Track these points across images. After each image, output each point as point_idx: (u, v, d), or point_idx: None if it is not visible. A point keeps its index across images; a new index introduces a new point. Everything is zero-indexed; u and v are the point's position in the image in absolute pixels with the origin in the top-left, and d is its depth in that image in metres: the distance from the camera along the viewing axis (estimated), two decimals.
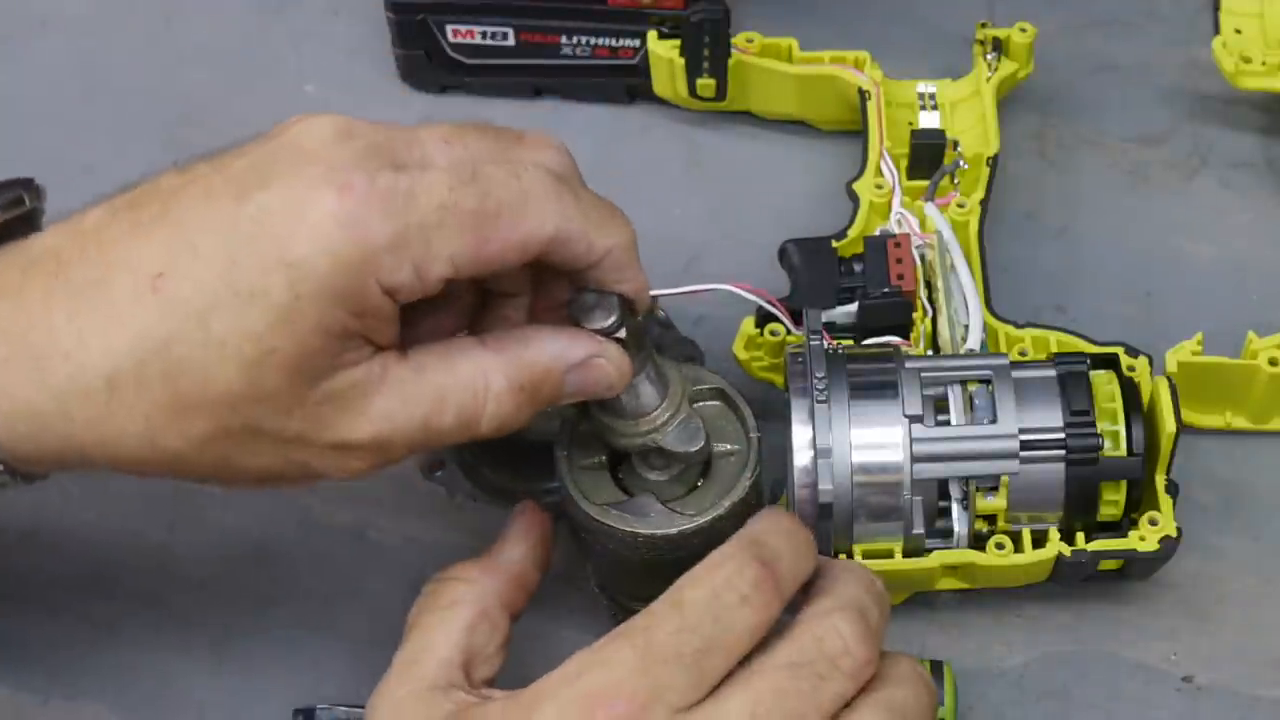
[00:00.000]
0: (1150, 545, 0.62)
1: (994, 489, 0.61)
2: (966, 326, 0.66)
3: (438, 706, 0.52)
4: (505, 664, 0.55)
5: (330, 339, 0.50)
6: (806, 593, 0.53)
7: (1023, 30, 0.76)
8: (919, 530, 0.61)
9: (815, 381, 0.61)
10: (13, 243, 0.53)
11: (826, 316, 0.66)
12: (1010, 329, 0.68)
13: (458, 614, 0.54)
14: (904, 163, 0.73)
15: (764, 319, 0.67)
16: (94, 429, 0.51)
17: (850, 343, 0.66)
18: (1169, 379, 0.63)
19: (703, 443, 0.58)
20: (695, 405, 0.60)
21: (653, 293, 0.62)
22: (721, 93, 0.77)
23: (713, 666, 0.49)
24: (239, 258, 0.49)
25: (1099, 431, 0.61)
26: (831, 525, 0.60)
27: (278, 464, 0.52)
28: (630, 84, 0.79)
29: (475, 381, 0.53)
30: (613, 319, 0.55)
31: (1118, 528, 0.63)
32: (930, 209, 0.70)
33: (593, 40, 0.78)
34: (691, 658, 0.49)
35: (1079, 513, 0.62)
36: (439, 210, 0.51)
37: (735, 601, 0.50)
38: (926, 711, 0.52)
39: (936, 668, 0.61)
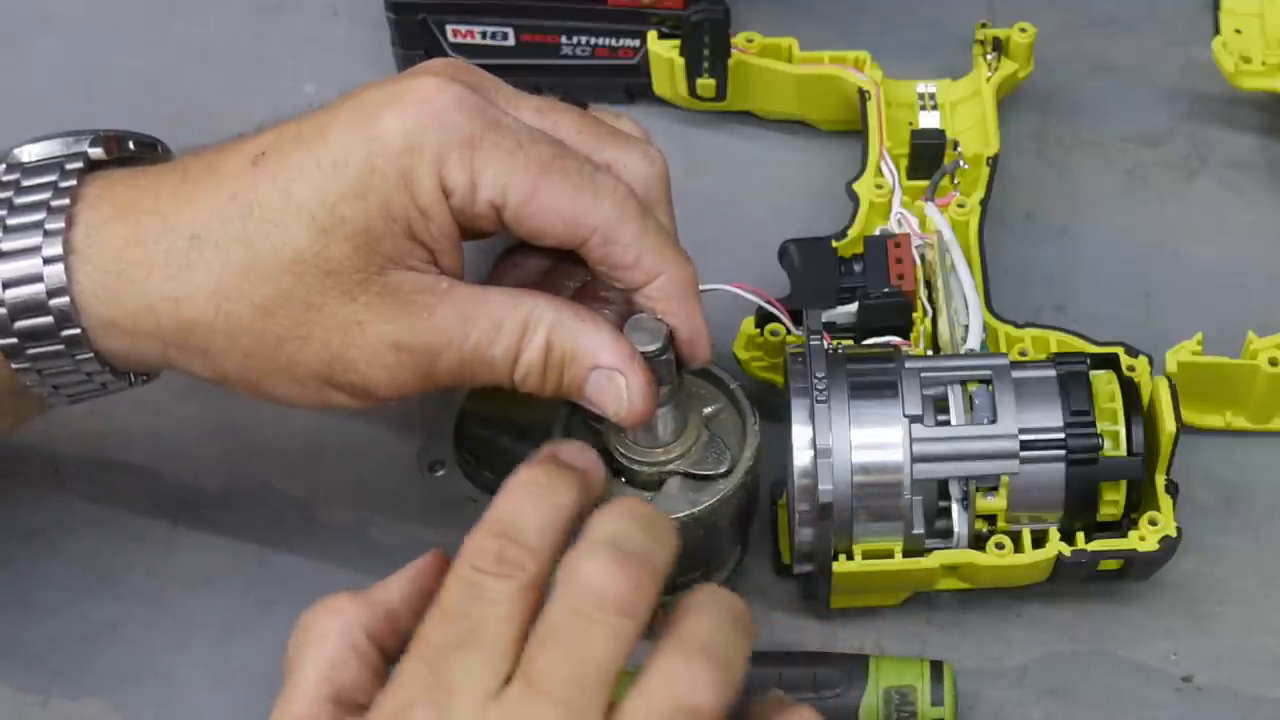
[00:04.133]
0: (1150, 545, 0.62)
1: (994, 489, 0.61)
2: (966, 326, 0.66)
3: None
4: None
5: (395, 225, 0.53)
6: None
7: (1023, 30, 0.76)
8: (919, 530, 0.61)
9: (815, 381, 0.61)
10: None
11: (826, 316, 0.66)
12: (1010, 329, 0.68)
13: (323, 648, 0.51)
14: (904, 163, 0.73)
15: (764, 319, 0.68)
16: (169, 283, 0.54)
17: (850, 343, 0.66)
18: (1169, 379, 0.63)
19: (729, 464, 0.59)
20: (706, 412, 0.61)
21: None
22: (721, 93, 0.77)
23: (491, 648, 0.47)
24: (332, 136, 0.54)
25: (1099, 431, 0.61)
26: (831, 525, 0.60)
27: (328, 360, 0.55)
28: (630, 84, 0.79)
29: (528, 323, 0.55)
30: (656, 345, 0.56)
31: (1118, 528, 0.63)
32: (930, 209, 0.70)
33: (593, 40, 0.78)
34: (467, 644, 0.47)
35: (1079, 513, 0.62)
36: (511, 144, 0.54)
37: (488, 580, 0.48)
38: (738, 642, 0.49)
39: (936, 668, 0.61)
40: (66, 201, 0.55)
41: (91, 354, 0.56)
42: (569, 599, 0.48)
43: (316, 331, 0.54)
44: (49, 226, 0.55)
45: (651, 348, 0.56)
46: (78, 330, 0.55)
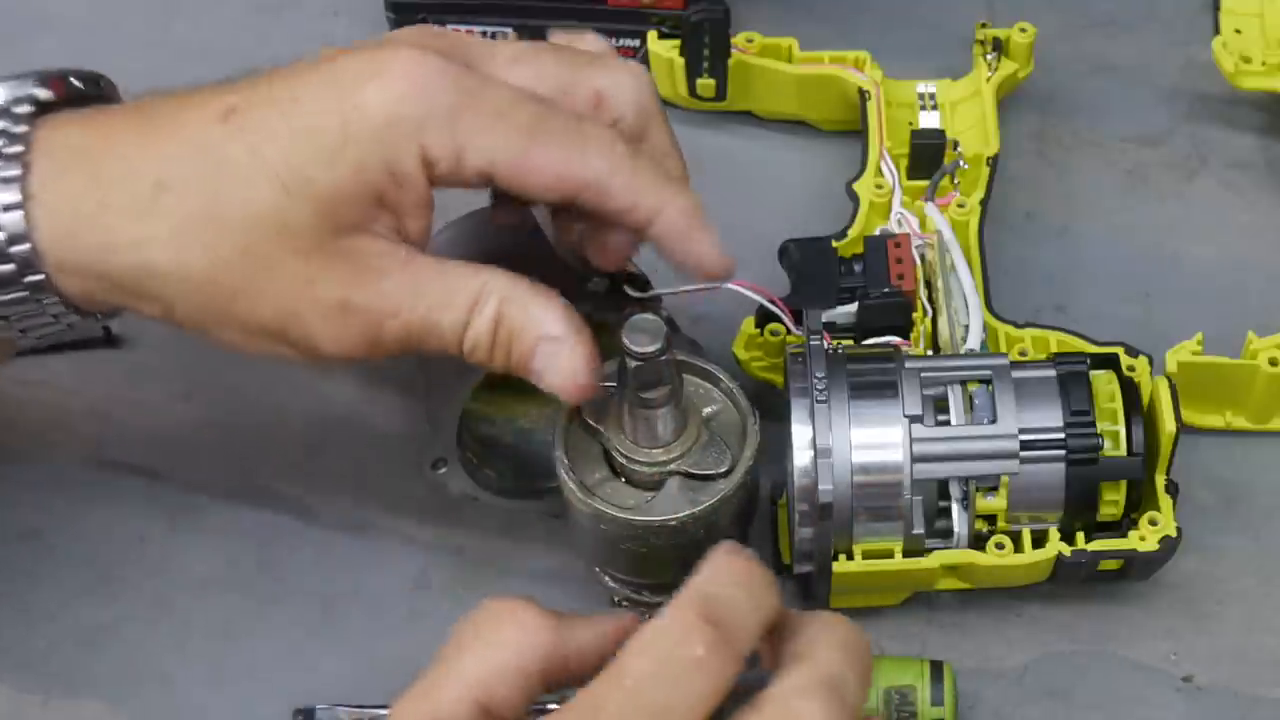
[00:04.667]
0: (1150, 545, 0.62)
1: (994, 489, 0.61)
2: (966, 326, 0.66)
3: None
4: None
5: (364, 191, 0.54)
6: (777, 649, 0.48)
7: (1023, 30, 0.76)
8: (919, 530, 0.61)
9: (815, 381, 0.61)
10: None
11: (826, 316, 0.66)
12: (1010, 329, 0.68)
13: (496, 654, 0.48)
14: (904, 163, 0.73)
15: (764, 319, 0.67)
16: (130, 227, 0.54)
17: (850, 343, 0.66)
18: (1169, 379, 0.63)
19: (729, 464, 0.59)
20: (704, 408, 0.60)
21: (656, 291, 0.62)
22: (721, 93, 0.77)
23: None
24: (306, 99, 0.54)
25: (1099, 431, 0.61)
26: (831, 525, 0.60)
27: (278, 312, 0.55)
28: None
29: (480, 295, 0.55)
30: (655, 346, 0.56)
31: (1118, 528, 0.63)
32: (930, 209, 0.70)
33: None
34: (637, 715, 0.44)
35: (1079, 513, 0.62)
36: (497, 111, 0.54)
37: (684, 669, 0.45)
38: (860, 676, 0.47)
39: (936, 668, 0.61)
40: (21, 149, 0.54)
41: (56, 298, 0.56)
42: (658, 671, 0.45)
43: (269, 287, 0.54)
44: (4, 174, 0.54)
45: (651, 349, 0.56)
46: (41, 276, 0.55)
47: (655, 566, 0.60)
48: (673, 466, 0.59)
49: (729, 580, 0.47)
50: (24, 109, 0.56)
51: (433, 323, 0.55)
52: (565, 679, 0.49)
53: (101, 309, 0.58)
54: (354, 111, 0.53)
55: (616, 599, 0.63)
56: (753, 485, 0.61)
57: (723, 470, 0.59)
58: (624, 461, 0.59)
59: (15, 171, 0.54)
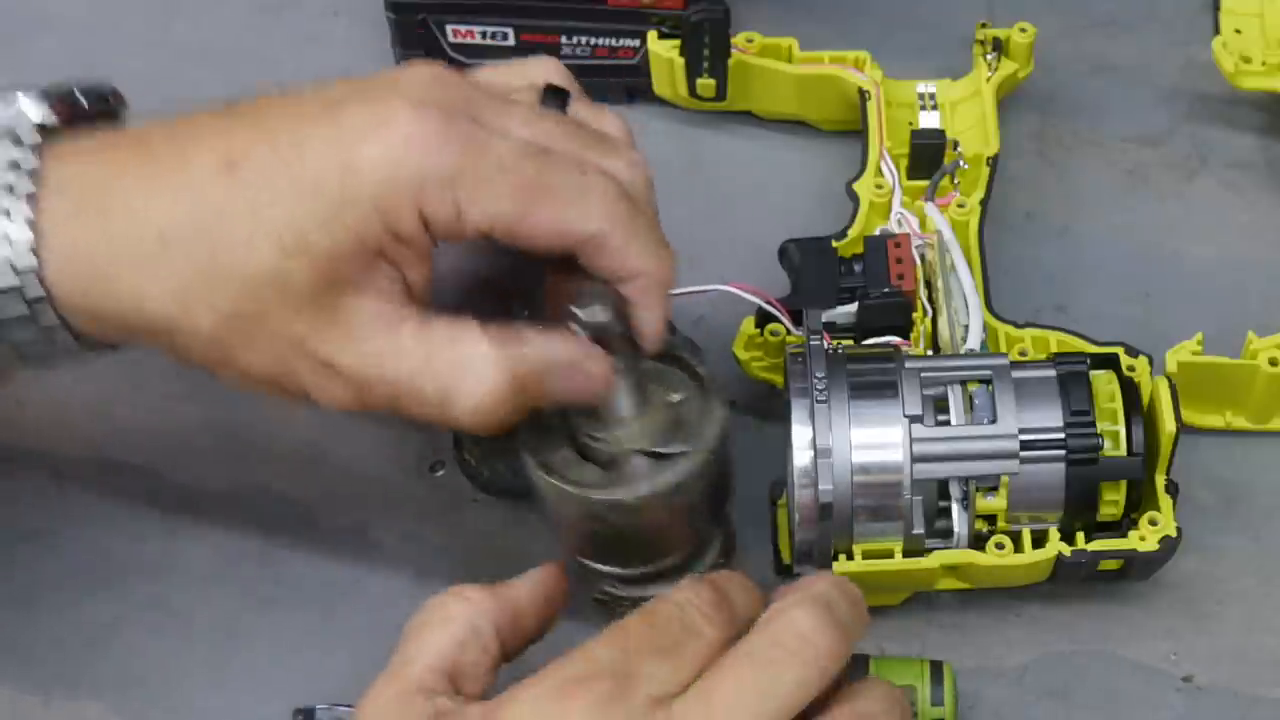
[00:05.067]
0: (1150, 545, 0.62)
1: (994, 489, 0.61)
2: (966, 326, 0.66)
3: (419, 709, 0.52)
4: (493, 689, 0.54)
5: (362, 250, 0.54)
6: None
7: (1023, 30, 0.76)
8: (919, 530, 0.61)
9: (815, 381, 0.61)
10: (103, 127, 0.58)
11: (826, 316, 0.66)
12: (1010, 329, 0.68)
13: (450, 628, 0.54)
14: (904, 163, 0.73)
15: (764, 319, 0.68)
16: (135, 279, 0.54)
17: (850, 343, 0.66)
18: (1169, 379, 0.63)
19: (692, 444, 0.58)
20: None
21: None
22: (721, 93, 0.77)
23: (684, 663, 0.51)
24: (309, 156, 0.54)
25: (1099, 431, 0.61)
26: (831, 525, 0.60)
27: (274, 365, 0.55)
28: (630, 84, 0.79)
29: (465, 363, 0.55)
30: (605, 317, 0.56)
31: (1118, 528, 0.63)
32: (930, 209, 0.70)
33: (593, 40, 0.78)
34: (668, 650, 0.51)
35: (1079, 513, 0.62)
36: (498, 169, 0.54)
37: (698, 616, 0.52)
38: None
39: (936, 668, 0.61)
40: (30, 186, 0.54)
41: (68, 333, 0.56)
42: (773, 633, 0.51)
43: (266, 344, 0.55)
44: (11, 209, 0.54)
45: (604, 319, 0.56)
46: (53, 317, 0.55)
47: (624, 550, 0.60)
48: (635, 445, 0.58)
49: (729, 577, 0.54)
50: (31, 137, 0.55)
51: (415, 388, 0.55)
52: (520, 636, 0.55)
53: (109, 343, 0.58)
54: (351, 174, 0.53)
55: (597, 596, 0.62)
56: (721, 466, 0.60)
57: (684, 450, 0.58)
58: (587, 441, 0.58)
59: (25, 211, 0.54)
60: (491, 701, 0.51)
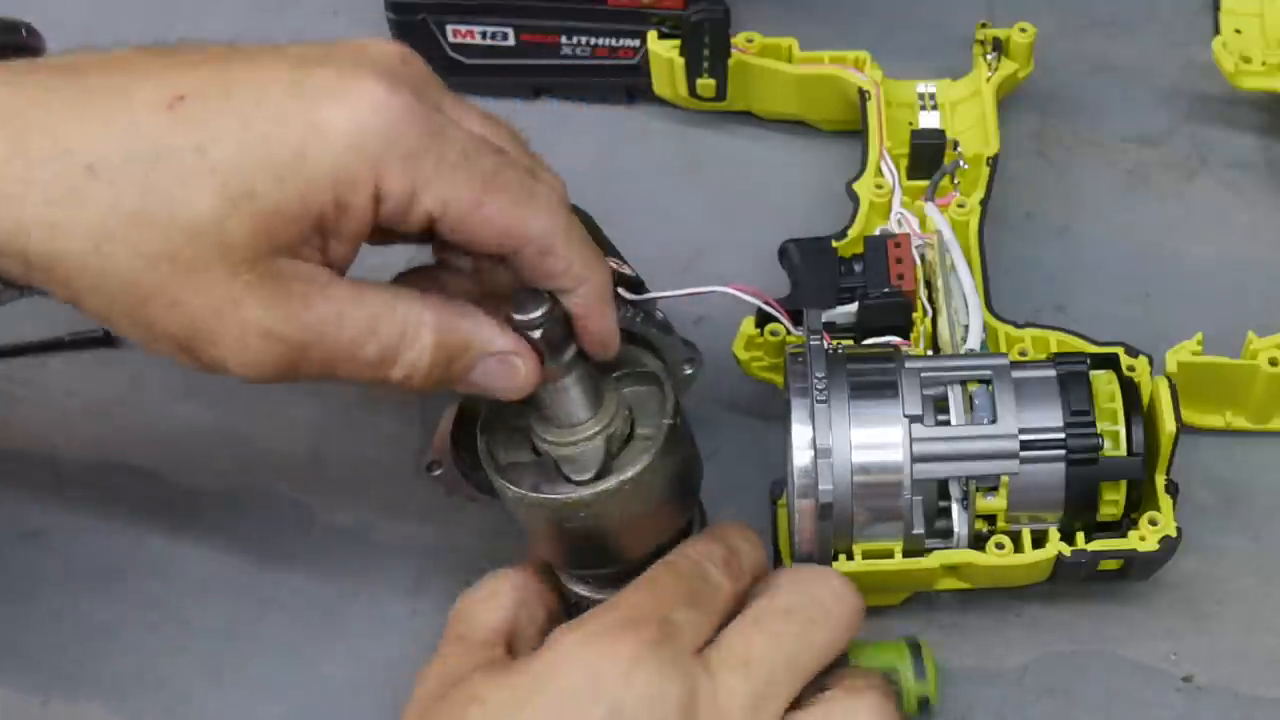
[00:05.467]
0: (1150, 545, 0.62)
1: (994, 489, 0.61)
2: (966, 326, 0.66)
3: (483, 657, 0.55)
4: None
5: (306, 215, 0.51)
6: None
7: (1023, 30, 0.76)
8: (919, 530, 0.61)
9: (815, 381, 0.61)
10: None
11: (826, 316, 0.66)
12: (1010, 329, 0.68)
13: (500, 599, 0.58)
14: (904, 163, 0.73)
15: (764, 319, 0.67)
16: (50, 208, 0.50)
17: (850, 343, 0.66)
18: (1169, 379, 0.63)
19: (591, 474, 0.57)
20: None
21: (652, 295, 0.62)
22: (721, 93, 0.77)
23: (712, 611, 0.54)
24: (268, 105, 0.51)
25: (1099, 431, 0.61)
26: (831, 525, 0.60)
27: (191, 328, 0.52)
28: (630, 84, 0.79)
29: (407, 326, 0.54)
30: (539, 312, 0.55)
31: (1118, 528, 0.63)
32: (930, 209, 0.70)
33: (593, 40, 0.78)
34: (695, 600, 0.54)
35: (1079, 513, 0.62)
36: (461, 156, 0.53)
37: (714, 569, 0.56)
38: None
39: (914, 646, 0.61)
40: None
41: None
42: (810, 592, 0.56)
43: (189, 300, 0.51)
44: None
45: (538, 313, 0.55)
46: None
47: (589, 552, 0.59)
48: (589, 445, 0.57)
49: (735, 529, 0.58)
50: None
51: (355, 354, 0.53)
52: (558, 597, 0.60)
53: (13, 280, 0.54)
54: (314, 131, 0.51)
55: (572, 600, 0.61)
56: (686, 446, 0.59)
57: (644, 440, 0.57)
58: (541, 443, 0.58)
59: None
60: (542, 647, 0.53)
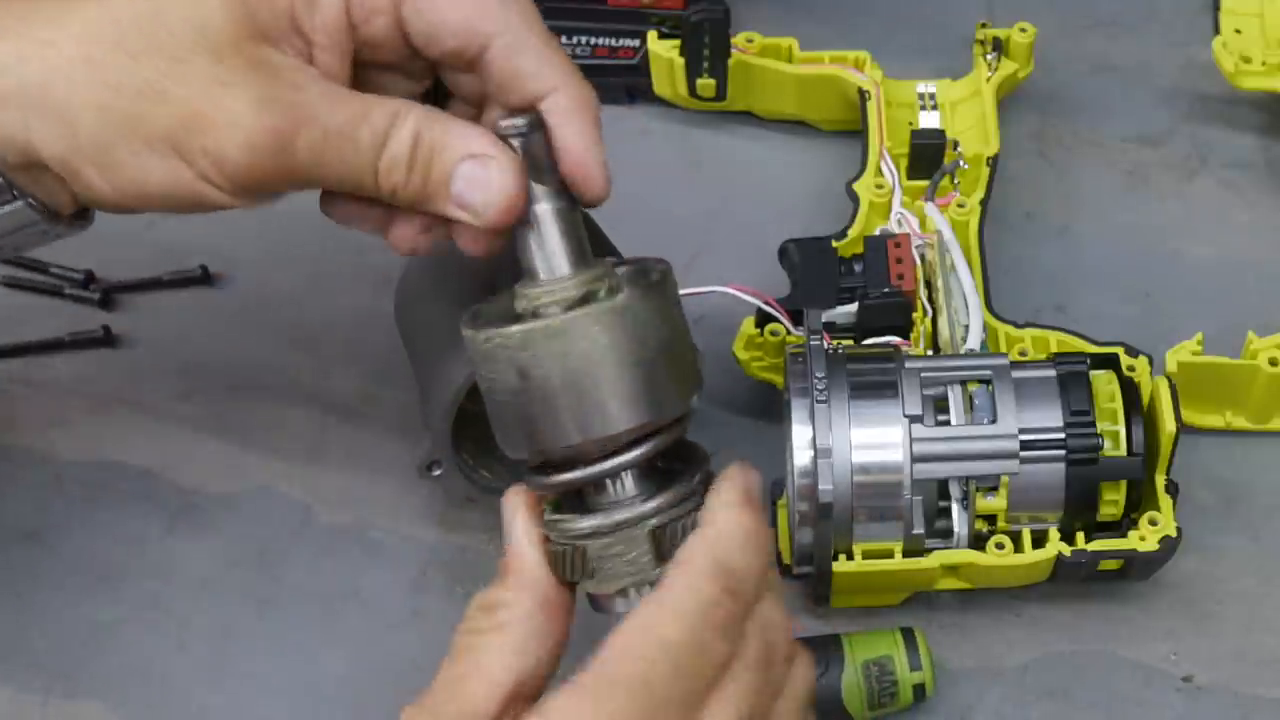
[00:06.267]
0: (1150, 545, 0.62)
1: (994, 489, 0.61)
2: (966, 326, 0.66)
3: None
4: (554, 674, 0.53)
5: (276, 1, 0.52)
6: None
7: (1023, 30, 0.76)
8: (919, 530, 0.61)
9: (815, 381, 0.61)
10: None
11: (826, 316, 0.66)
12: (1010, 329, 0.68)
13: (507, 636, 0.52)
14: (904, 163, 0.73)
15: (764, 319, 0.68)
16: (44, 27, 0.52)
17: (850, 343, 0.66)
18: (1169, 379, 0.63)
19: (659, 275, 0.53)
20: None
21: None
22: (721, 93, 0.77)
23: (701, 694, 0.50)
24: None
25: (1099, 431, 0.61)
26: (831, 525, 0.60)
27: (182, 119, 0.52)
28: (630, 84, 0.79)
29: (398, 112, 0.53)
30: (521, 121, 0.52)
31: (1118, 528, 0.63)
32: (930, 209, 0.70)
33: (593, 40, 0.78)
34: (687, 698, 0.50)
35: (1079, 513, 0.62)
36: None
37: (714, 636, 0.50)
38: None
39: (908, 634, 0.62)
40: None
41: None
42: (768, 649, 0.52)
43: (177, 88, 0.52)
44: None
45: (520, 120, 0.52)
46: None
47: (575, 412, 0.52)
48: (563, 298, 0.53)
49: (742, 545, 0.51)
50: None
51: (348, 136, 0.52)
52: (565, 610, 0.53)
53: (11, 171, 0.54)
54: None
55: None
56: (673, 314, 0.54)
57: (654, 279, 0.53)
58: (522, 304, 0.53)
59: None
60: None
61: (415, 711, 0.51)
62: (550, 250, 0.53)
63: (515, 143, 0.53)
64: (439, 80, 0.57)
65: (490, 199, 0.53)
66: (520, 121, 0.53)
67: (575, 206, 0.54)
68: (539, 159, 0.53)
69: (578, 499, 0.54)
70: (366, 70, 0.55)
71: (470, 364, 0.54)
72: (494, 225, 0.53)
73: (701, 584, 0.51)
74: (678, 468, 0.54)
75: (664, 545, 0.53)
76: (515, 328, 0.51)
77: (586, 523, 0.53)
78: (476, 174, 0.53)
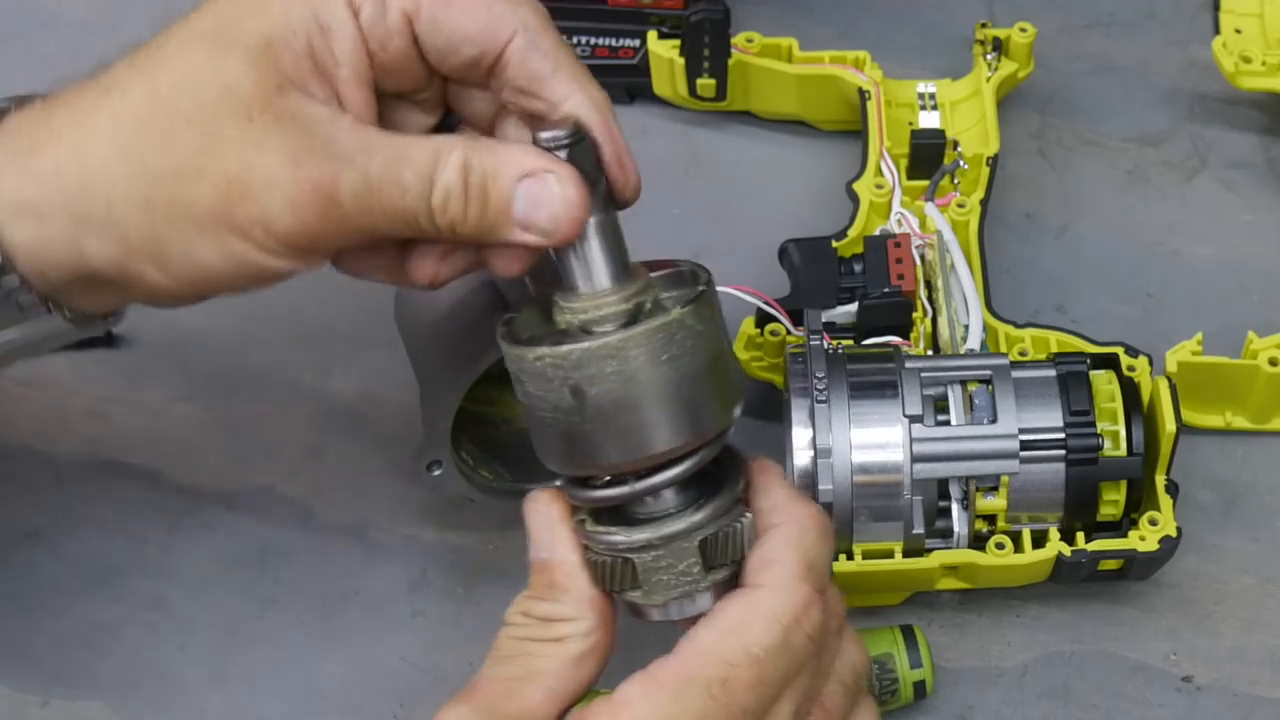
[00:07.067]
0: (1150, 545, 0.62)
1: (994, 489, 0.61)
2: (966, 326, 0.66)
3: None
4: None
5: (293, 40, 0.51)
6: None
7: (1023, 30, 0.76)
8: (919, 530, 0.61)
9: (815, 381, 0.61)
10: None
11: (826, 316, 0.66)
12: (1010, 329, 0.68)
13: (568, 649, 0.52)
14: (904, 163, 0.73)
15: (764, 319, 0.68)
16: (74, 131, 0.52)
17: (850, 343, 0.66)
18: (1169, 379, 0.63)
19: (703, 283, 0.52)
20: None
21: None
22: (721, 93, 0.77)
23: (778, 699, 0.51)
24: None
25: (1099, 431, 0.61)
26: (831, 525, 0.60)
27: (224, 190, 0.51)
28: (630, 84, 0.79)
29: (440, 147, 0.51)
30: (564, 132, 0.51)
31: (1118, 528, 0.63)
32: (930, 209, 0.70)
33: (593, 40, 0.78)
34: (767, 705, 0.50)
35: (1079, 513, 0.62)
36: None
37: (803, 642, 0.51)
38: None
39: (908, 632, 0.62)
40: None
41: (15, 276, 0.52)
42: (852, 669, 0.54)
43: (213, 160, 0.51)
44: None
45: (561, 133, 0.51)
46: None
47: (616, 436, 0.51)
48: (602, 315, 0.51)
49: (822, 542, 0.52)
50: None
51: (391, 179, 0.51)
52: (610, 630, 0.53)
53: (52, 266, 0.53)
54: None
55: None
56: (718, 332, 0.52)
57: (699, 289, 0.52)
58: (557, 312, 0.52)
59: None
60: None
61: (466, 710, 0.51)
62: (594, 262, 0.52)
63: (561, 154, 0.51)
64: (448, 111, 0.56)
65: (556, 214, 0.51)
66: (563, 133, 0.51)
67: (615, 216, 0.53)
68: (587, 169, 0.52)
69: (616, 510, 0.53)
70: (382, 104, 0.54)
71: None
72: (563, 242, 0.52)
73: (793, 585, 0.51)
74: (711, 470, 0.53)
75: (713, 555, 0.52)
76: (572, 346, 0.50)
77: (637, 536, 0.52)
78: (538, 192, 0.51)
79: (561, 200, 0.51)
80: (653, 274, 0.53)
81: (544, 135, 0.51)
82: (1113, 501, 0.62)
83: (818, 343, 0.62)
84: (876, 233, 0.70)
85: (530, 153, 0.51)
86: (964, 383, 0.62)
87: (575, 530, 0.53)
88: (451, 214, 0.52)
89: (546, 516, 0.53)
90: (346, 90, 0.53)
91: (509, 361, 0.52)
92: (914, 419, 0.60)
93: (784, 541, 0.52)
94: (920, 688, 0.61)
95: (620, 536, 0.52)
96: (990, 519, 0.62)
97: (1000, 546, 0.62)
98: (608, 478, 0.53)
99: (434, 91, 0.56)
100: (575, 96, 0.53)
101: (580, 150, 0.51)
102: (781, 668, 0.50)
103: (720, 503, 0.52)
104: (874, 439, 0.60)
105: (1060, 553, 0.61)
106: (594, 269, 0.52)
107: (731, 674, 0.49)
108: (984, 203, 0.72)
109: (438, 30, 0.53)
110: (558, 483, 0.54)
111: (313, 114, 0.51)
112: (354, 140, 0.51)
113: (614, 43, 0.78)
